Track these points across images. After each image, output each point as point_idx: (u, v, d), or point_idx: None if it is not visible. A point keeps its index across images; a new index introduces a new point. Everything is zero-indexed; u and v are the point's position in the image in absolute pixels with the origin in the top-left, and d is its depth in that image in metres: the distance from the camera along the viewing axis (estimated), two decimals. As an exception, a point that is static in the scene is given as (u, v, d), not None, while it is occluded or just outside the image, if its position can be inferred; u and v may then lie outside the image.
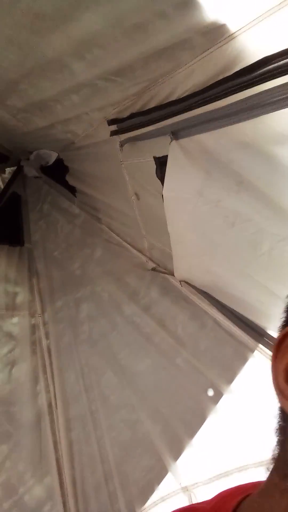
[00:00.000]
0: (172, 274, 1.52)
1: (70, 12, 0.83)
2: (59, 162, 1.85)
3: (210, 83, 0.89)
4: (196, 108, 0.97)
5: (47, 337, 1.77)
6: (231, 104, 0.87)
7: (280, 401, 0.40)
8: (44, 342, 1.75)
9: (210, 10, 0.77)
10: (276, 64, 0.71)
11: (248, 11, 0.72)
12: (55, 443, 1.57)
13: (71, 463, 1.54)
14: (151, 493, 1.46)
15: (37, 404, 1.63)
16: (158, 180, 1.30)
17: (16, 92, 1.30)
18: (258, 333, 1.34)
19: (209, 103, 0.92)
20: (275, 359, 0.43)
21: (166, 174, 1.14)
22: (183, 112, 1.01)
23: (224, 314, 1.38)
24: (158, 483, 1.46)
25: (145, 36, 0.86)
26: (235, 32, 0.77)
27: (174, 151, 1.11)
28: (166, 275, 1.60)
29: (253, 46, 0.76)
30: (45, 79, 1.17)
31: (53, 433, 1.58)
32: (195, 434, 1.43)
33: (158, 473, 1.47)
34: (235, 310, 1.33)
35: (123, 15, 0.81)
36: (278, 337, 0.43)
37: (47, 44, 0.98)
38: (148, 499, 1.45)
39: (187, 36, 0.84)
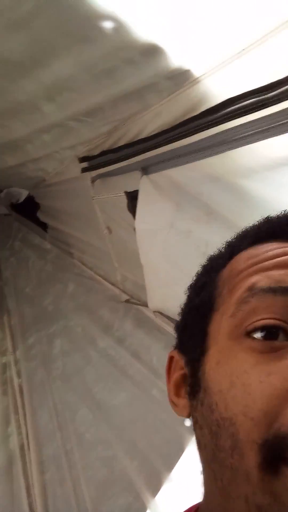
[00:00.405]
0: (146, 305, 1.53)
1: (41, 59, 0.87)
2: (29, 199, 1.87)
3: (177, 122, 0.95)
4: (164, 145, 1.02)
5: (18, 376, 1.72)
6: (199, 141, 0.93)
7: (175, 411, 0.49)
8: (16, 381, 1.71)
9: (175, 56, 0.83)
10: (239, 105, 0.78)
11: (211, 58, 0.78)
12: (28, 487, 1.50)
13: (45, 508, 1.47)
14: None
15: (8, 448, 1.56)
16: (130, 214, 1.34)
17: (-13, 132, 1.33)
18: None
19: (177, 140, 0.98)
20: (168, 377, 0.53)
21: (137, 207, 1.18)
22: (152, 149, 1.06)
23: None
24: (138, 522, 1.41)
25: (114, 80, 0.92)
26: (199, 77, 0.83)
27: (145, 185, 1.16)
28: (139, 306, 1.61)
29: (217, 89, 0.82)
30: (16, 121, 1.20)
31: (26, 477, 1.51)
32: (173, 467, 1.40)
33: (137, 511, 1.43)
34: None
35: (93, 62, 0.86)
36: (168, 359, 0.54)
37: (18, 88, 1.01)
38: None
39: (154, 81, 0.90)
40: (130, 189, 1.29)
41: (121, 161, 1.19)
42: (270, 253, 0.45)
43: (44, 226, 1.95)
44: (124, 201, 1.33)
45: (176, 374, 0.51)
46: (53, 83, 0.95)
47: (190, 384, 0.46)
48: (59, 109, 1.07)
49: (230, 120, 0.82)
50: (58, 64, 0.85)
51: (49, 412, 1.61)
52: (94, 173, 1.37)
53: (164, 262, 1.17)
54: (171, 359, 0.54)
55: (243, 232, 0.57)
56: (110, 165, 1.25)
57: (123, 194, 1.32)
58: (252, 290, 0.42)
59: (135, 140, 1.11)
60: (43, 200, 1.82)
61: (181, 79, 0.87)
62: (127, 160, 1.18)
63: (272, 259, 0.44)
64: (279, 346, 0.38)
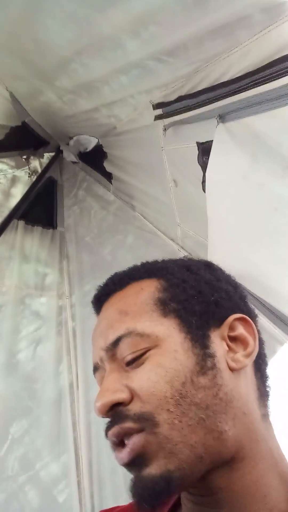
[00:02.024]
0: (204, 263, 1.52)
1: (134, -16, 0.84)
2: (97, 148, 1.88)
3: (265, 63, 0.90)
4: (249, 89, 0.97)
5: (73, 319, 1.78)
6: (286, 85, 0.87)
7: None
8: (70, 324, 1.77)
9: (274, -14, 0.77)
10: None
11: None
12: (74, 423, 1.58)
13: (88, 444, 1.54)
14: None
15: (59, 384, 1.64)
16: (199, 167, 1.30)
17: (66, 72, 1.33)
18: (289, 326, 1.32)
19: (264, 84, 0.92)
20: None
21: (210, 157, 1.14)
22: (235, 94, 1.01)
23: (254, 306, 1.37)
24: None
25: (205, 12, 0.87)
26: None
27: (221, 134, 1.11)
28: (198, 264, 1.60)
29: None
30: (97, 58, 1.19)
31: (73, 413, 1.59)
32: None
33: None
34: (266, 302, 1.32)
35: (186, -12, 0.82)
36: None
37: (105, 20, 1.00)
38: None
39: (247, 13, 0.84)
40: (203, 139, 1.25)
41: (199, 107, 1.15)
42: None
43: (109, 176, 1.96)
44: (195, 152, 1.29)
45: None
46: (141, 14, 0.92)
47: None
48: (142, 45, 1.04)
49: None
50: (150, -11, 0.82)
51: (98, 357, 1.66)
52: (167, 121, 1.33)
53: (232, 215, 1.13)
54: None
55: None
56: (185, 112, 1.21)
57: (195, 145, 1.28)
58: None
59: (216, 83, 1.06)
60: (111, 149, 1.82)
61: (277, 12, 0.81)
62: (204, 107, 1.13)
63: None
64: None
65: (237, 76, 0.98)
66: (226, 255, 1.31)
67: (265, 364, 0.64)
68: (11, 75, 1.50)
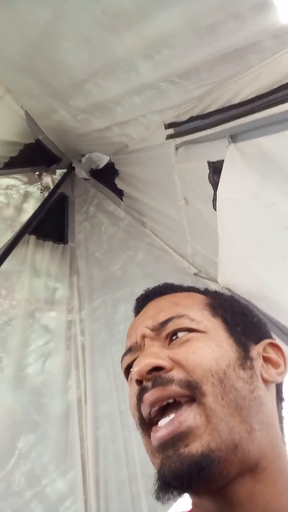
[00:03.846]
0: (214, 281, 1.52)
1: (148, 10, 0.87)
2: (109, 165, 1.91)
3: (276, 86, 0.92)
4: (258, 112, 0.99)
5: (82, 334, 1.79)
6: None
7: None
8: (79, 339, 1.77)
9: (283, 13, 0.80)
10: None
11: None
12: (82, 439, 1.57)
13: (95, 460, 1.53)
14: (175, 501, 1.43)
15: (67, 398, 1.64)
16: (210, 185, 1.32)
17: (80, 92, 1.37)
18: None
19: (273, 107, 0.94)
20: None
21: (221, 175, 1.16)
22: (246, 115, 1.03)
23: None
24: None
25: (217, 37, 0.90)
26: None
27: (232, 154, 1.13)
28: (207, 281, 1.60)
29: None
30: (110, 79, 1.23)
31: (80, 429, 1.58)
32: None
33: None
34: (277, 320, 1.31)
35: (199, 14, 0.85)
36: None
37: (119, 42, 1.03)
38: (172, 506, 1.42)
39: (258, 39, 0.87)
40: (214, 159, 1.27)
41: (210, 128, 1.17)
42: None
43: (120, 193, 1.98)
44: (206, 171, 1.31)
45: None
46: (154, 38, 0.95)
47: None
48: (155, 68, 1.07)
49: None
50: (163, 16, 0.85)
51: (107, 372, 1.67)
52: (178, 140, 1.36)
53: (242, 233, 1.14)
54: None
55: None
56: (197, 132, 1.24)
57: (206, 164, 1.30)
58: None
59: (227, 105, 1.08)
60: (123, 167, 1.85)
61: (287, 38, 0.84)
62: (216, 127, 1.16)
63: None
64: None
65: (248, 98, 1.01)
66: (236, 272, 1.32)
67: (282, 393, 0.67)
68: (27, 94, 1.54)
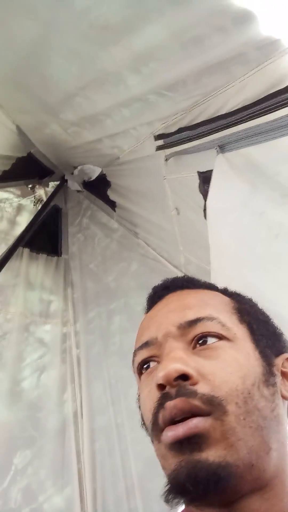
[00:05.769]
0: (207, 290, 1.52)
1: (134, 24, 0.89)
2: (101, 177, 1.92)
3: (262, 96, 0.93)
4: (246, 121, 1.00)
5: (77, 347, 1.78)
6: (284, 117, 0.90)
7: None
8: (74, 351, 1.76)
9: (266, 25, 0.81)
10: None
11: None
12: (78, 453, 1.55)
13: (92, 474, 1.51)
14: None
15: (63, 412, 1.62)
16: (201, 195, 1.33)
17: (70, 106, 1.38)
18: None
19: (260, 117, 0.96)
20: None
21: (210, 185, 1.17)
22: (233, 126, 1.04)
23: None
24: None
25: (202, 49, 0.91)
26: (289, 46, 0.80)
27: (220, 164, 1.14)
28: (200, 290, 1.60)
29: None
30: (100, 93, 1.24)
31: (77, 443, 1.57)
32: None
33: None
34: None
35: (184, 28, 0.86)
36: None
37: (108, 56, 1.04)
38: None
39: (242, 51, 0.88)
40: (203, 169, 1.28)
41: (199, 138, 1.19)
42: None
43: (113, 204, 1.99)
44: (196, 181, 1.33)
45: None
46: (141, 52, 0.96)
47: None
48: (143, 81, 1.08)
49: None
50: (149, 30, 0.87)
51: (103, 385, 1.65)
52: (168, 151, 1.37)
53: (233, 242, 1.15)
54: None
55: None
56: (186, 142, 1.25)
57: (196, 174, 1.31)
58: None
59: (215, 116, 1.10)
60: (115, 178, 1.86)
61: (270, 49, 0.85)
62: (204, 138, 1.17)
63: None
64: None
65: (234, 109, 1.02)
66: (228, 281, 1.31)
67: None
68: (18, 109, 1.55)
